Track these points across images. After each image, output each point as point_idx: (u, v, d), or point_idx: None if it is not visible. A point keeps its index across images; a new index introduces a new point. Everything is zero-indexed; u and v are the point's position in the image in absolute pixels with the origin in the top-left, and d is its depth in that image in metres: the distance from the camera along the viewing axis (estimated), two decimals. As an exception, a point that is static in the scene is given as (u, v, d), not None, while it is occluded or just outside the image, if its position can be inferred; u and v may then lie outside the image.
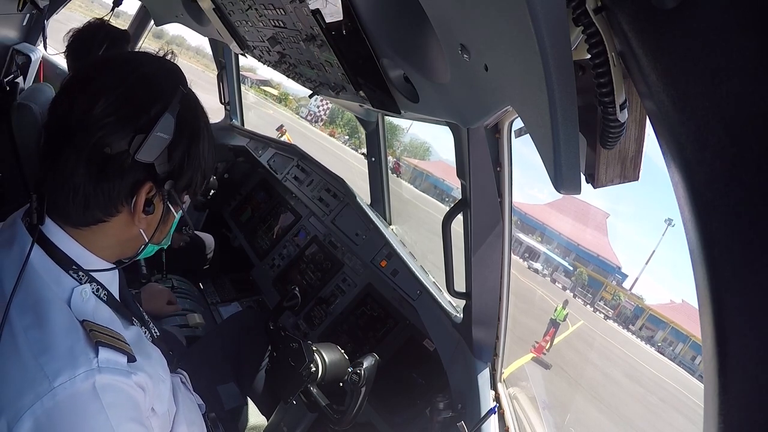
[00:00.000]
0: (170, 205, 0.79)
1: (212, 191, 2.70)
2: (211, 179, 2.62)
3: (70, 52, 1.90)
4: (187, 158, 0.76)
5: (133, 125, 0.70)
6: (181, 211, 0.81)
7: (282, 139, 3.24)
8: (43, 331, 0.65)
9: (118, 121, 0.69)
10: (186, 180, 0.78)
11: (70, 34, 1.91)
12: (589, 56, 0.49)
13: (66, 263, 0.72)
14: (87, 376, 0.63)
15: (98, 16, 2.10)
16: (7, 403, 0.61)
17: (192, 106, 0.78)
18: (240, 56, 2.79)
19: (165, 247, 0.89)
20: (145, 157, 0.70)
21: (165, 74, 0.77)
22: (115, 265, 0.79)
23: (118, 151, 0.69)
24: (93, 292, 0.74)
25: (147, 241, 0.79)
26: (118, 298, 0.80)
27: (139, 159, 0.69)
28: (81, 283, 0.73)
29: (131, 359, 0.70)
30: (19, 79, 2.72)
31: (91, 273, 0.74)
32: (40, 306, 0.67)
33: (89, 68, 0.76)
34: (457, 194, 1.34)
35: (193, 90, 0.81)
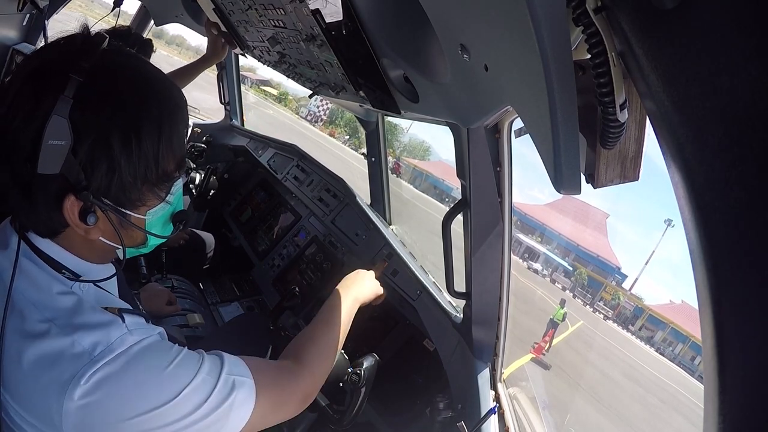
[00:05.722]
0: (125, 210, 0.68)
1: (212, 191, 2.70)
2: (211, 179, 2.62)
3: None
4: (98, 161, 0.62)
5: (28, 136, 0.60)
6: (152, 210, 0.71)
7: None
8: (70, 315, 0.65)
9: (15, 135, 0.61)
10: (105, 184, 0.64)
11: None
12: (589, 56, 0.48)
13: (56, 266, 0.71)
14: (122, 339, 0.64)
15: (99, 17, 2.11)
16: (52, 383, 0.61)
17: (100, 90, 0.62)
18: (240, 56, 2.79)
19: (148, 250, 0.81)
20: (46, 170, 0.59)
21: (54, 63, 0.63)
22: (114, 271, 0.79)
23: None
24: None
25: (120, 246, 0.71)
26: (118, 297, 0.81)
27: (42, 173, 0.60)
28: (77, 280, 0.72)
29: (147, 318, 0.72)
30: (19, 79, 2.72)
31: (86, 281, 0.73)
32: (57, 298, 0.67)
33: None
34: (457, 194, 1.34)
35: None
